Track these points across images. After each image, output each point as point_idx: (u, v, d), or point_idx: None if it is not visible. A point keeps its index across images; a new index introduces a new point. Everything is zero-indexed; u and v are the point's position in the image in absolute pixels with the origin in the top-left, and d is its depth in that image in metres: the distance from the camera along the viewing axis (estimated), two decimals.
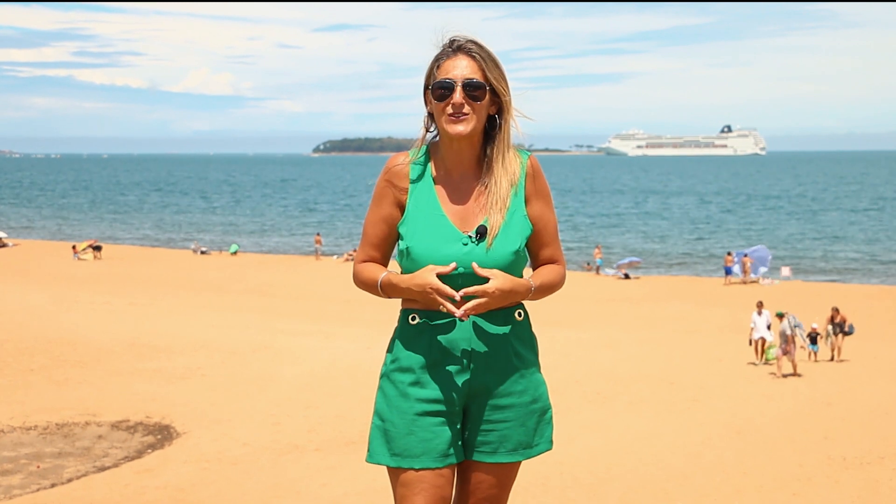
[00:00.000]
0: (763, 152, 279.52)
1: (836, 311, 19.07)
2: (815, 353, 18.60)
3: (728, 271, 32.74)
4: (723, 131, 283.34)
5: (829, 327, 18.92)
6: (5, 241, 42.98)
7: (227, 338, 19.20)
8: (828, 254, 43.07)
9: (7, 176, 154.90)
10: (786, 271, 33.91)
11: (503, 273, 2.72)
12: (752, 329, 18.49)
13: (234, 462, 11.66)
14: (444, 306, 2.69)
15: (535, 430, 2.86)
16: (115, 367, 16.35)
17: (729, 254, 34.00)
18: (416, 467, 2.76)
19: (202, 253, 41.48)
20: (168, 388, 15.04)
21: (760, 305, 18.85)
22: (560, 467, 11.34)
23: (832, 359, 18.60)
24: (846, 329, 18.86)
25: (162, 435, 12.73)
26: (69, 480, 10.92)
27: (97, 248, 38.48)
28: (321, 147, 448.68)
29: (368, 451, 2.85)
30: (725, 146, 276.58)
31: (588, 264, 37.68)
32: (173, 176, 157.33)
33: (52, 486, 10.75)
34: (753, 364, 17.98)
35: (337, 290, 28.41)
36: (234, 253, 41.61)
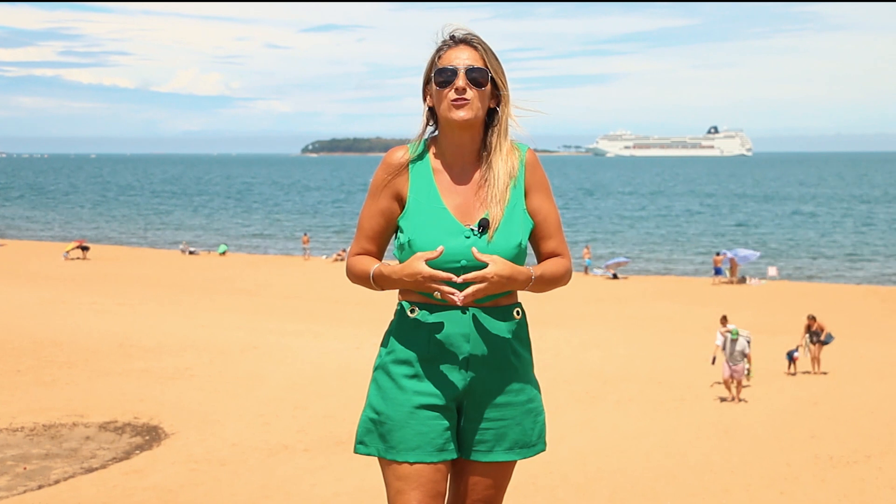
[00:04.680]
0: (749, 153, 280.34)
1: (812, 319, 17.63)
2: (794, 365, 17.23)
3: (718, 272, 32.84)
4: (709, 132, 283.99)
5: (806, 337, 17.59)
6: None
7: (215, 338, 19.16)
8: (816, 254, 43.23)
9: None
10: (772, 271, 34.01)
11: (502, 259, 2.67)
12: (716, 347, 15.67)
13: (222, 462, 11.64)
14: (441, 292, 2.64)
15: (533, 430, 2.82)
16: (103, 368, 16.29)
17: (718, 254, 34.10)
18: (412, 461, 2.71)
19: (190, 253, 41.35)
20: (156, 388, 14.99)
21: (725, 321, 16.09)
22: (549, 466, 11.37)
23: (812, 371, 17.28)
24: (822, 338, 17.47)
25: (150, 436, 12.70)
26: (56, 482, 10.88)
27: (84, 249, 38.34)
28: (310, 147, 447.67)
29: (359, 442, 2.78)
30: (712, 147, 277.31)
31: None
32: (161, 176, 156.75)
33: (39, 487, 10.71)
34: (721, 397, 15.28)
35: (326, 290, 28.39)
36: (223, 253, 41.51)
